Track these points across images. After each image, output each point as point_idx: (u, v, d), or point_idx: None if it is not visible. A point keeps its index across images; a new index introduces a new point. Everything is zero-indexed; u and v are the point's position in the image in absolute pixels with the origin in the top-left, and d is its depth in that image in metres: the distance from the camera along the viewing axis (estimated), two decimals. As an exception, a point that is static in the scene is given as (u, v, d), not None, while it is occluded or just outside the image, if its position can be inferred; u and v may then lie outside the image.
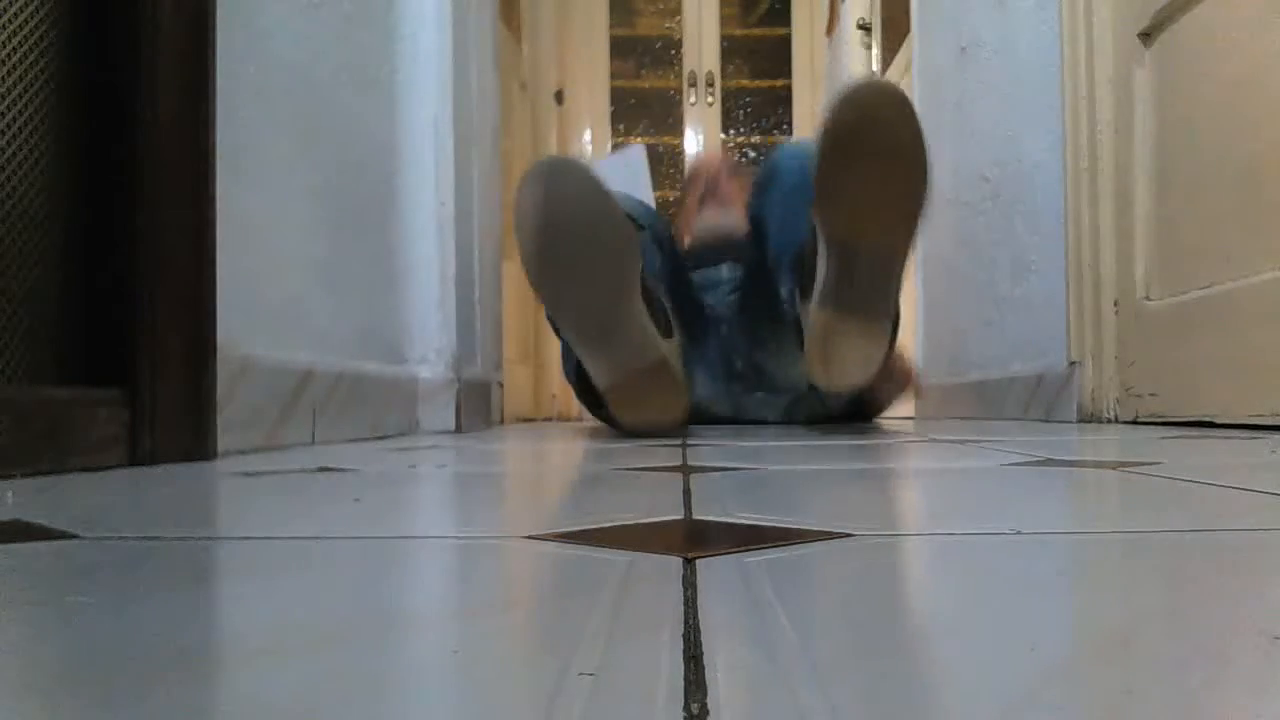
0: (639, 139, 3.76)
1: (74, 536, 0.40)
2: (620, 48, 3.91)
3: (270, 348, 1.03)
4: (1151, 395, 1.41)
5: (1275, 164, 1.15)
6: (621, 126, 3.87)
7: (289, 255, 1.13)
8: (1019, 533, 0.39)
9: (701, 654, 0.22)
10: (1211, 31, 1.28)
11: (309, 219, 1.19)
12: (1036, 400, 1.67)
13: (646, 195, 1.96)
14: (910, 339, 2.33)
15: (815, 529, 0.39)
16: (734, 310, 1.62)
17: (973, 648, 0.24)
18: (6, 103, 0.73)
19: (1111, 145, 1.51)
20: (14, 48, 0.74)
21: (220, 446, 0.87)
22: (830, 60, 3.82)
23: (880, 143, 1.01)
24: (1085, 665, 0.22)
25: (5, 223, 0.73)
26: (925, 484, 0.64)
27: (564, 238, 1.08)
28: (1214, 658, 0.22)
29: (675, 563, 0.33)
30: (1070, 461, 0.76)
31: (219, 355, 0.87)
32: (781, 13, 3.97)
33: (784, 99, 3.91)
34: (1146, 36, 1.42)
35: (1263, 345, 1.16)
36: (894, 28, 2.97)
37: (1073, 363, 1.56)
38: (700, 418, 1.65)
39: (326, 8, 1.26)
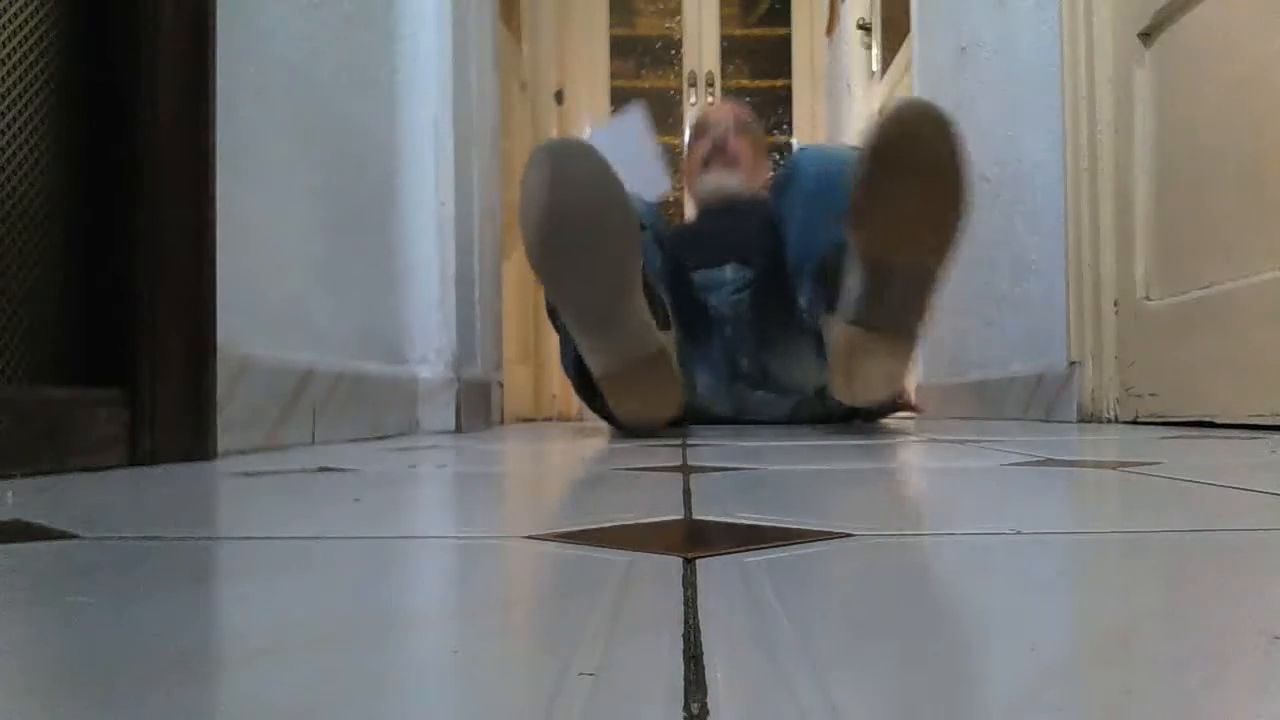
0: (639, 139, 3.75)
1: (74, 536, 0.40)
2: (620, 48, 3.91)
3: (270, 348, 1.03)
4: (1151, 395, 1.41)
5: (1275, 164, 1.15)
6: (622, 126, 3.87)
7: (289, 255, 1.13)
8: (1019, 533, 0.39)
9: (701, 654, 0.22)
10: (1211, 31, 1.28)
11: (309, 219, 1.19)
12: (1036, 400, 1.67)
13: (651, 156, 1.90)
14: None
15: (815, 529, 0.39)
16: (742, 310, 1.61)
17: (973, 648, 0.24)
18: (6, 103, 0.73)
19: (1111, 145, 1.51)
20: (14, 48, 0.74)
21: (220, 446, 0.87)
22: (830, 60, 3.82)
23: (921, 163, 1.00)
24: (1085, 665, 0.22)
25: (5, 223, 0.73)
26: (925, 484, 0.64)
27: (570, 220, 1.07)
28: (1214, 658, 0.22)
29: (675, 563, 0.33)
30: (1070, 461, 0.76)
31: (219, 355, 0.87)
32: (781, 13, 3.98)
33: (784, 99, 3.92)
34: (1146, 36, 1.42)
35: (1263, 345, 1.16)
36: (894, 28, 2.97)
37: (1073, 363, 1.56)
38: (700, 417, 1.64)
39: (326, 7, 1.26)
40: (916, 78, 2.43)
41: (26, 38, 0.76)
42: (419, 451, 1.01)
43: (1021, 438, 1.09)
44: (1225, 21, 1.26)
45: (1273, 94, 1.15)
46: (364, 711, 0.19)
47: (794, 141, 3.93)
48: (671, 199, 3.25)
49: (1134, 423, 1.43)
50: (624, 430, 1.31)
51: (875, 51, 3.24)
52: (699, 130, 1.98)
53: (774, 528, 0.40)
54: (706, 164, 1.89)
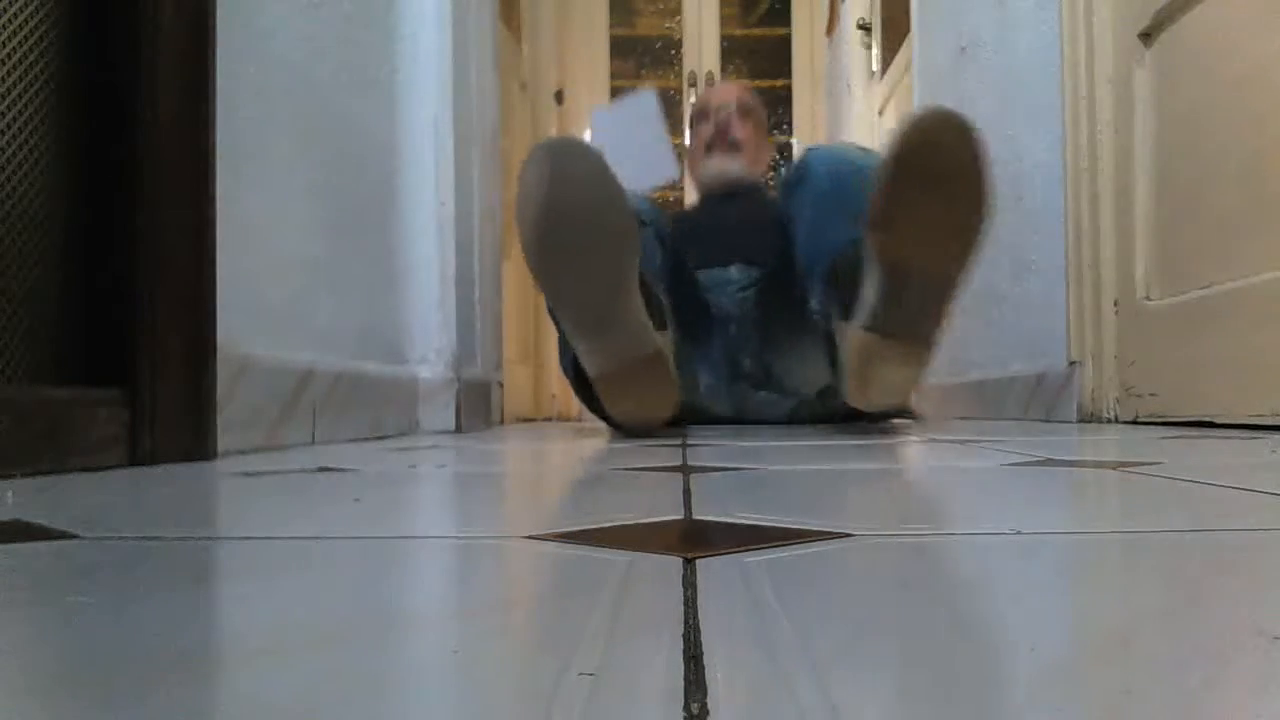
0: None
1: (74, 536, 0.40)
2: (620, 48, 3.91)
3: (270, 348, 1.03)
4: (1151, 395, 1.41)
5: (1276, 163, 1.15)
6: (622, 126, 3.87)
7: (289, 255, 1.13)
8: (1019, 533, 0.39)
9: (701, 654, 0.22)
10: (1211, 31, 1.28)
11: (309, 219, 1.19)
12: (1036, 400, 1.67)
13: (658, 142, 1.88)
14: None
15: (815, 529, 0.39)
16: (747, 309, 1.61)
17: (973, 647, 0.24)
18: (6, 103, 0.73)
19: (1111, 145, 1.51)
20: (14, 48, 0.74)
21: (220, 446, 0.87)
22: (830, 60, 3.82)
23: (944, 171, 1.00)
24: (1085, 665, 0.22)
25: (5, 223, 0.73)
26: (925, 484, 0.64)
27: (567, 218, 1.07)
28: (1214, 658, 0.22)
29: (675, 563, 0.33)
30: (1070, 461, 0.76)
31: (219, 355, 0.87)
32: (781, 13, 3.98)
33: (784, 99, 3.92)
34: (1146, 36, 1.42)
35: (1263, 345, 1.16)
36: (894, 28, 2.97)
37: (1073, 363, 1.56)
38: (700, 417, 1.64)
39: (326, 7, 1.26)
40: (916, 78, 2.43)
41: (26, 38, 0.76)
42: (419, 451, 1.01)
43: (1021, 438, 1.09)
44: (1225, 21, 1.26)
45: (1273, 94, 1.15)
46: (364, 711, 0.19)
47: (794, 141, 3.93)
48: (675, 186, 3.25)
49: (1134, 423, 1.43)
50: (621, 431, 1.31)
51: (875, 51, 3.24)
52: (701, 113, 1.95)
53: (774, 528, 0.40)
54: (709, 149, 1.87)
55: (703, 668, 0.21)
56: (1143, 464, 0.69)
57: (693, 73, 3.88)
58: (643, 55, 3.94)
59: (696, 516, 0.45)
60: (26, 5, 0.76)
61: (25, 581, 0.33)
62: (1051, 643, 0.24)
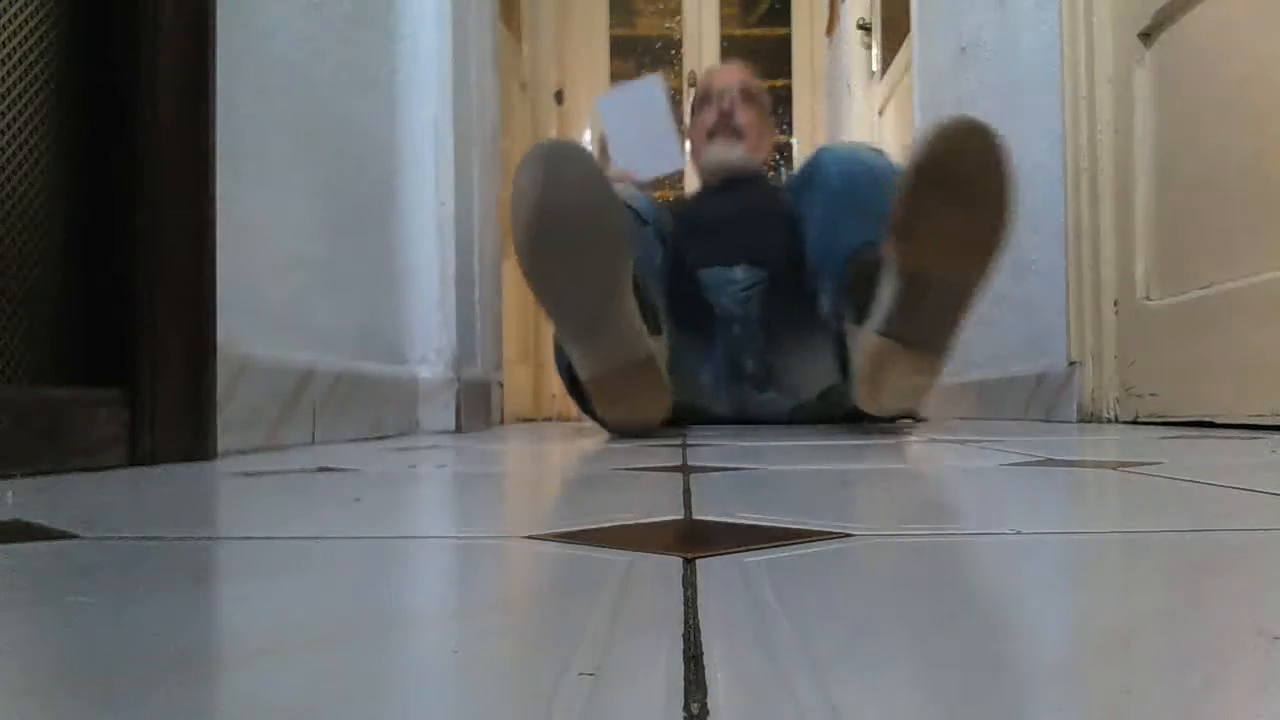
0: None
1: (74, 536, 0.40)
2: (620, 48, 3.91)
3: (270, 347, 1.03)
4: (1151, 395, 1.41)
5: (1276, 163, 1.15)
6: (622, 126, 3.87)
7: (289, 255, 1.13)
8: (1019, 533, 0.39)
9: (701, 654, 0.22)
10: (1211, 31, 1.28)
11: (309, 219, 1.19)
12: (1036, 400, 1.67)
13: (664, 129, 1.83)
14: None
15: (815, 529, 0.39)
16: (751, 310, 1.60)
17: (973, 648, 0.24)
18: (6, 103, 0.73)
19: (1111, 145, 1.51)
20: (14, 48, 0.74)
21: (220, 446, 0.87)
22: (830, 60, 3.82)
23: (968, 182, 1.00)
24: (1085, 665, 0.22)
25: (5, 223, 0.73)
26: (925, 484, 0.64)
27: (560, 221, 1.07)
28: (1214, 658, 0.22)
29: (675, 563, 0.33)
30: (1070, 461, 0.76)
31: (219, 355, 0.87)
32: (781, 13, 3.98)
33: (784, 99, 3.92)
34: (1146, 36, 1.42)
35: (1263, 345, 1.16)
36: (894, 28, 2.97)
37: (1073, 363, 1.56)
38: (700, 417, 1.64)
39: (326, 7, 1.26)
40: (916, 78, 2.43)
41: (26, 38, 0.76)
42: (419, 451, 1.01)
43: (1021, 438, 1.09)
44: (1225, 21, 1.26)
45: (1273, 94, 1.15)
46: (364, 711, 0.19)
47: (794, 141, 3.93)
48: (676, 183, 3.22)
49: (1134, 423, 1.43)
50: (615, 433, 1.31)
51: (875, 51, 3.24)
52: (703, 97, 1.92)
53: (774, 528, 0.40)
54: (711, 136, 1.84)
55: (703, 668, 0.21)
56: (1143, 464, 0.69)
57: (693, 73, 3.88)
58: (643, 55, 3.95)
59: (696, 516, 0.45)
60: (26, 5, 0.76)
61: (25, 581, 0.33)
62: (1052, 642, 0.24)
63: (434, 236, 1.57)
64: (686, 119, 2.05)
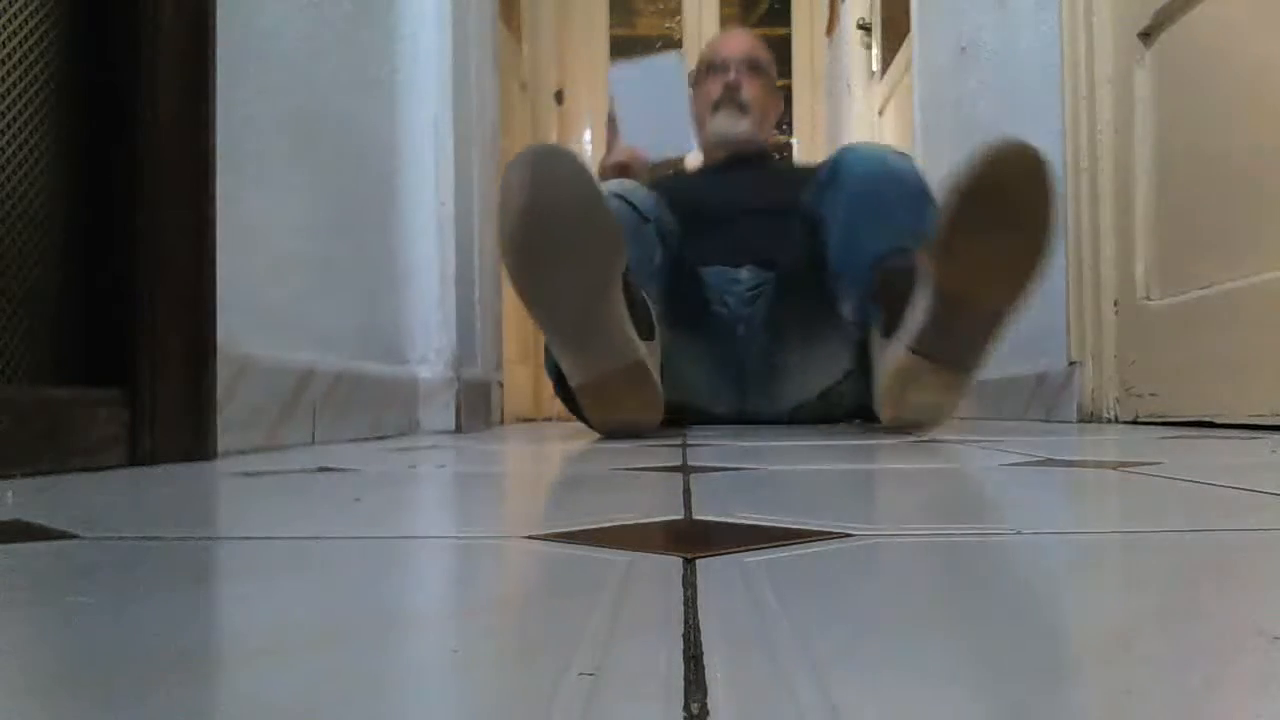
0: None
1: (74, 536, 0.40)
2: (620, 48, 3.91)
3: (270, 348, 1.03)
4: (1151, 395, 1.41)
5: (1275, 164, 1.15)
6: (622, 126, 3.86)
7: (289, 255, 1.13)
8: (1019, 533, 0.39)
9: (701, 654, 0.22)
10: (1211, 31, 1.28)
11: (309, 219, 1.19)
12: (1036, 400, 1.67)
13: (676, 110, 1.76)
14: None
15: (815, 529, 0.39)
16: (758, 311, 1.59)
17: (973, 648, 0.24)
18: (6, 103, 0.74)
19: (1111, 145, 1.51)
20: (14, 48, 0.74)
21: (220, 446, 0.87)
22: (830, 60, 3.82)
23: (1013, 207, 0.99)
24: (1084, 665, 0.22)
25: (5, 223, 0.73)
26: (925, 484, 0.64)
27: (547, 227, 1.05)
28: (1214, 658, 0.22)
29: (675, 563, 0.33)
30: (1070, 461, 0.76)
31: (219, 355, 0.87)
32: (781, 13, 3.98)
33: (784, 98, 3.91)
34: (1146, 36, 1.42)
35: (1263, 345, 1.16)
36: (894, 28, 2.97)
37: (1073, 363, 1.56)
38: (701, 417, 1.63)
39: (327, 7, 1.26)
40: (916, 78, 2.43)
41: (26, 38, 0.76)
42: (419, 451, 1.01)
43: (1021, 437, 1.09)
44: (1225, 21, 1.26)
45: (1273, 94, 1.15)
46: (364, 711, 0.19)
47: (794, 141, 3.93)
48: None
49: (1134, 423, 1.43)
50: (606, 436, 1.29)
51: (875, 51, 3.24)
52: (708, 66, 1.88)
53: (774, 528, 0.40)
54: (716, 107, 1.81)
55: (703, 668, 0.21)
56: (1143, 464, 0.69)
57: (693, 73, 3.88)
58: (643, 55, 3.94)
59: (696, 516, 0.45)
60: (26, 5, 0.76)
61: (25, 581, 0.33)
62: (1051, 642, 0.24)
63: (434, 236, 1.57)
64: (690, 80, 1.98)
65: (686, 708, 0.18)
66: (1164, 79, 1.39)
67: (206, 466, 0.79)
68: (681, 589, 0.28)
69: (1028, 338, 1.73)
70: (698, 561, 0.33)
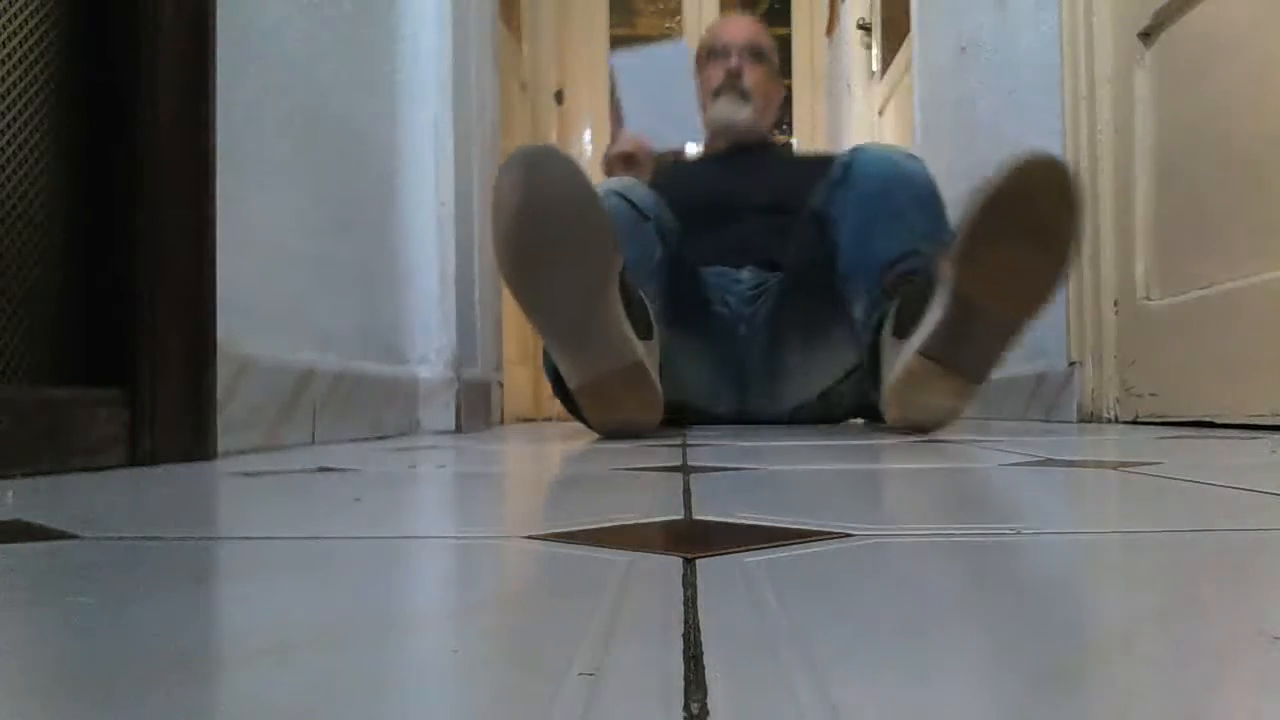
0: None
1: (74, 536, 0.40)
2: (620, 47, 3.91)
3: (270, 347, 1.03)
4: (1151, 395, 1.41)
5: (1275, 164, 1.15)
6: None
7: (289, 255, 1.13)
8: (1019, 532, 0.39)
9: (701, 654, 0.22)
10: (1211, 31, 1.28)
11: (309, 219, 1.19)
12: (1036, 400, 1.67)
13: (679, 100, 1.72)
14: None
15: (815, 529, 0.39)
16: (761, 311, 1.59)
17: (973, 648, 0.24)
18: (6, 103, 0.74)
19: (1111, 145, 1.51)
20: (14, 48, 0.74)
21: (220, 446, 0.87)
22: (830, 60, 3.82)
23: (1039, 220, 0.99)
24: (1085, 665, 0.22)
25: (5, 223, 0.73)
26: (925, 484, 0.64)
27: (541, 229, 1.04)
28: (1214, 658, 0.22)
29: (675, 563, 0.33)
30: (1070, 461, 0.76)
31: (219, 355, 0.87)
32: (781, 13, 3.98)
33: (784, 98, 3.91)
34: (1146, 36, 1.42)
35: (1263, 345, 1.16)
36: (894, 28, 2.97)
37: (1073, 363, 1.56)
38: (701, 417, 1.63)
39: (327, 7, 1.26)
40: (916, 78, 2.43)
41: (26, 38, 0.76)
42: (419, 451, 1.01)
43: (1021, 438, 1.09)
44: (1225, 21, 1.26)
45: (1273, 94, 1.15)
46: (364, 711, 0.19)
47: (794, 141, 3.93)
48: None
49: (1134, 423, 1.43)
50: (604, 436, 1.28)
51: (875, 51, 3.24)
52: (709, 51, 1.85)
53: (774, 528, 0.40)
54: (717, 94, 1.80)
55: (703, 668, 0.21)
56: (1143, 464, 0.69)
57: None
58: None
59: (696, 516, 0.45)
60: (26, 5, 0.76)
61: (25, 581, 0.33)
62: (1051, 642, 0.24)
63: (434, 236, 1.57)
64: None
65: (686, 708, 0.18)
66: (1164, 79, 1.39)
67: (206, 466, 0.79)
68: (681, 589, 0.28)
69: (1028, 338, 1.73)
70: (698, 561, 0.33)
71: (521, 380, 2.84)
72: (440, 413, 1.53)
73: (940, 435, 1.14)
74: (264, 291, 1.05)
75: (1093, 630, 0.26)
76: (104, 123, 0.81)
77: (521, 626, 0.26)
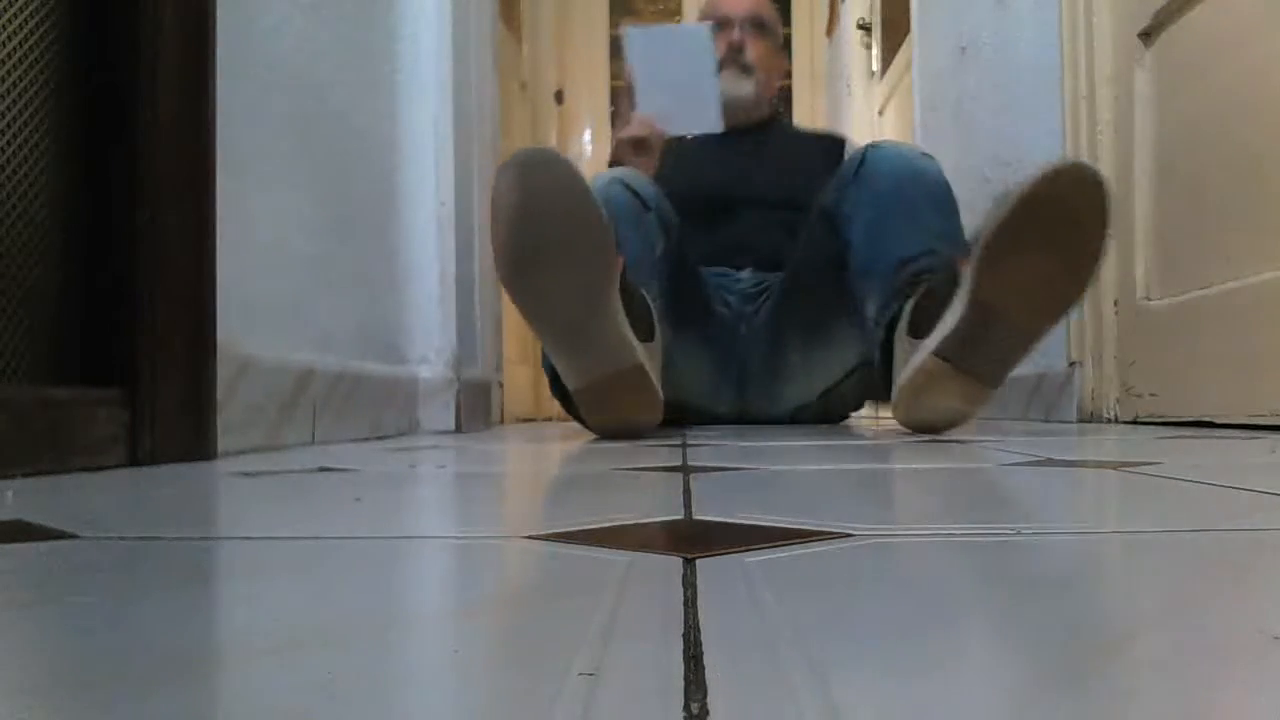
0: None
1: (74, 536, 0.40)
2: (620, 48, 3.91)
3: (270, 348, 1.03)
4: (1151, 395, 1.41)
5: (1275, 164, 1.15)
6: (622, 126, 3.86)
7: (289, 255, 1.13)
8: (1019, 532, 0.39)
9: (701, 654, 0.22)
10: (1211, 31, 1.28)
11: (309, 219, 1.19)
12: (1036, 400, 1.67)
13: (709, 88, 1.61)
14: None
15: (815, 529, 0.39)
16: (762, 311, 1.59)
17: (973, 648, 0.24)
18: (6, 103, 0.74)
19: (1111, 145, 1.51)
20: (14, 48, 0.74)
21: (220, 446, 0.87)
22: (830, 60, 3.82)
23: (1070, 228, 0.98)
24: (1086, 665, 0.22)
25: (5, 223, 0.73)
26: (925, 484, 0.64)
27: (539, 232, 1.04)
28: (1214, 658, 0.22)
29: (675, 563, 0.33)
30: (1070, 461, 0.76)
31: (219, 355, 0.87)
32: (781, 12, 3.97)
33: (784, 98, 3.91)
34: (1146, 36, 1.42)
35: (1263, 345, 1.16)
36: (894, 28, 2.97)
37: (1073, 363, 1.56)
38: (702, 417, 1.63)
39: (327, 7, 1.26)
40: (916, 78, 2.43)
41: (27, 37, 0.76)
42: (419, 451, 1.01)
43: (1021, 438, 1.09)
44: (1225, 21, 1.26)
45: (1273, 94, 1.15)
46: (364, 711, 0.19)
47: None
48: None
49: (1134, 423, 1.43)
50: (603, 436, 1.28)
51: (875, 51, 3.24)
52: (709, 23, 1.79)
53: (774, 528, 0.40)
54: (719, 69, 1.75)
55: (703, 668, 0.21)
56: (1143, 464, 0.69)
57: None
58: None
59: (696, 516, 0.45)
60: (26, 5, 0.76)
61: (25, 581, 0.33)
62: (1051, 642, 0.24)
63: (434, 236, 1.57)
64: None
65: (686, 708, 0.18)
66: (1164, 79, 1.39)
67: (206, 466, 0.79)
68: (681, 589, 0.28)
69: (1028, 338, 1.73)
70: (698, 561, 0.33)
71: (521, 380, 2.84)
72: (440, 413, 1.53)
73: (941, 435, 1.14)
74: (264, 291, 1.05)
75: (1093, 630, 0.26)
76: (104, 123, 0.81)
77: (521, 626, 0.26)
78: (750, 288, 1.63)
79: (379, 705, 0.19)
